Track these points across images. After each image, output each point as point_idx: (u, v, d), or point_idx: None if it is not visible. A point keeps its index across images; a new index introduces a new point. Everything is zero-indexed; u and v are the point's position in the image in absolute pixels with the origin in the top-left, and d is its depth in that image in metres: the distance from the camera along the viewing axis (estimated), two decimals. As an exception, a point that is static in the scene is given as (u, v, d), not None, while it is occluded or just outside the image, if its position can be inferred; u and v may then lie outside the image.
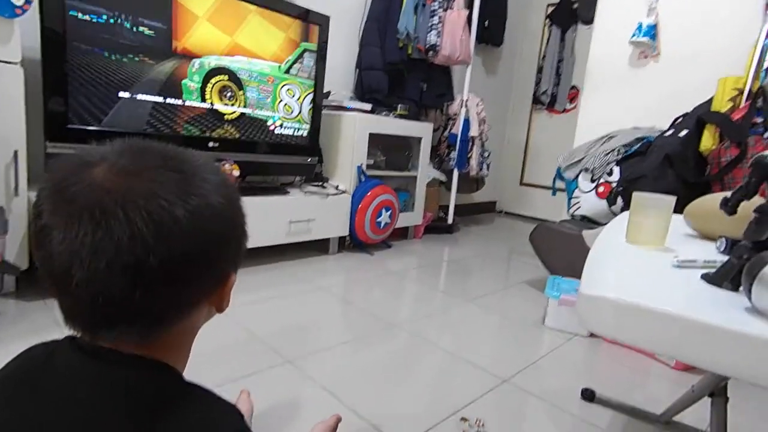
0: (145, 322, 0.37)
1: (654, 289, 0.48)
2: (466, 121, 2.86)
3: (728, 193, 0.50)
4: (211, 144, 1.79)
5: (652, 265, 0.57)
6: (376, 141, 2.43)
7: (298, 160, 2.13)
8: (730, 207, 0.51)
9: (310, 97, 2.04)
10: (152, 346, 0.39)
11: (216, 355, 1.15)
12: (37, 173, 1.48)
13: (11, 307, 1.29)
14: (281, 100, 1.91)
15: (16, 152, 1.27)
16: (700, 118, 1.60)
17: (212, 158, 0.42)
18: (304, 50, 1.92)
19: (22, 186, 1.30)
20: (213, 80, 1.73)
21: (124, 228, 0.32)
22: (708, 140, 1.58)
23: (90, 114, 1.47)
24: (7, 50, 1.24)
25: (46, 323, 1.22)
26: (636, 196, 0.68)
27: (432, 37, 2.58)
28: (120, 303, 0.35)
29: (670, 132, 1.69)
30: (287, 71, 1.92)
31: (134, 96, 1.54)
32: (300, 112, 2.00)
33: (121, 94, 1.51)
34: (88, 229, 0.32)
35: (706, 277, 0.50)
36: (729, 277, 0.47)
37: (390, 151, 2.62)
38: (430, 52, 2.62)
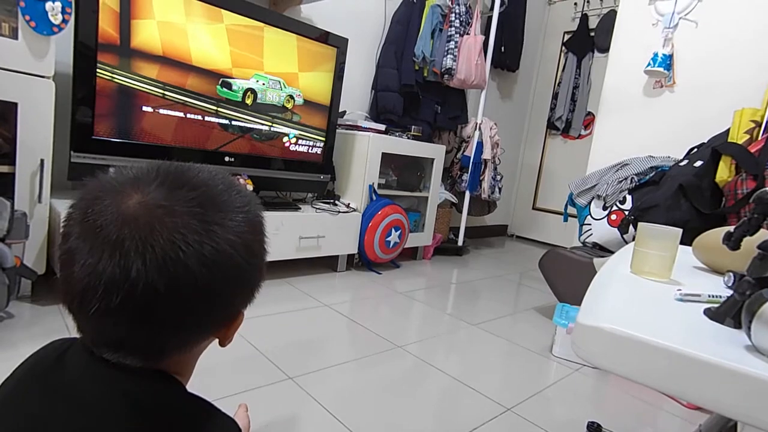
0: (147, 354, 0.38)
1: (653, 322, 0.47)
2: (480, 144, 2.88)
3: (732, 228, 0.50)
4: (227, 158, 1.83)
5: (654, 297, 0.57)
6: (389, 161, 2.46)
7: (311, 177, 2.16)
8: (732, 242, 0.50)
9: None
10: (155, 364, 0.40)
11: (217, 368, 1.16)
12: (60, 182, 1.53)
13: (26, 310, 1.32)
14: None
15: (42, 161, 1.33)
16: (715, 149, 1.59)
17: (242, 185, 0.42)
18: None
19: (45, 194, 1.35)
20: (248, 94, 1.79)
21: (141, 275, 0.33)
22: (724, 171, 1.57)
23: (115, 126, 1.52)
24: (41, 65, 1.30)
25: (58, 327, 1.25)
26: (642, 226, 0.68)
27: (448, 61, 2.63)
28: (125, 337, 0.36)
29: (684, 162, 1.68)
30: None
31: (157, 110, 1.60)
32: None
33: (145, 108, 1.57)
34: (107, 264, 0.33)
35: (708, 313, 0.50)
36: (731, 313, 0.47)
37: (402, 172, 2.64)
38: (446, 76, 2.66)
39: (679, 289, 0.57)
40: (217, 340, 0.45)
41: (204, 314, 0.38)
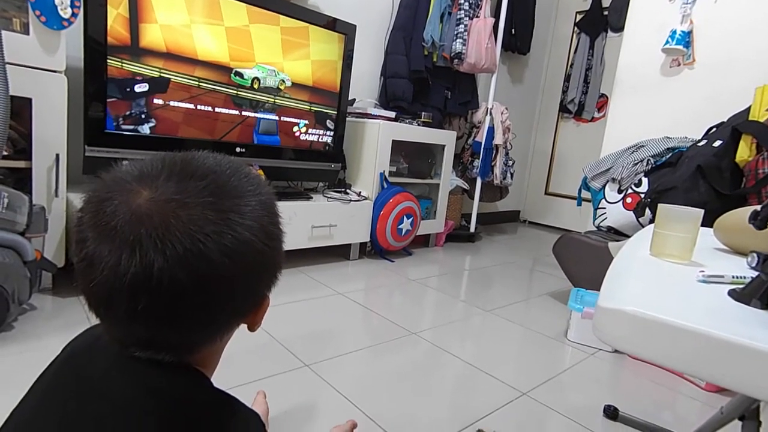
0: (178, 350, 0.39)
1: (676, 304, 0.46)
2: (491, 129, 2.84)
3: (758, 207, 0.49)
4: (238, 149, 1.84)
5: (675, 279, 0.56)
6: (400, 148, 2.44)
7: (322, 166, 2.16)
8: (759, 222, 0.49)
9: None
10: (186, 358, 0.40)
11: (235, 357, 1.17)
12: (75, 176, 1.55)
13: (48, 302, 1.36)
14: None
15: (57, 156, 1.34)
16: (735, 128, 1.54)
17: (253, 170, 0.42)
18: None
19: (62, 188, 1.37)
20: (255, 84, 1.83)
21: (164, 272, 0.33)
22: (744, 151, 1.52)
23: (127, 119, 1.53)
24: (53, 60, 1.31)
25: (80, 319, 1.28)
26: (662, 207, 0.66)
27: (457, 45, 2.58)
28: (156, 336, 0.36)
29: (703, 142, 1.64)
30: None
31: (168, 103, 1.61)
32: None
33: (156, 100, 1.58)
34: (129, 265, 0.33)
35: (733, 294, 0.49)
36: (758, 294, 0.45)
37: (413, 159, 2.62)
38: (455, 60, 2.62)
39: (702, 271, 0.55)
40: (243, 326, 0.45)
41: (232, 304, 0.38)
